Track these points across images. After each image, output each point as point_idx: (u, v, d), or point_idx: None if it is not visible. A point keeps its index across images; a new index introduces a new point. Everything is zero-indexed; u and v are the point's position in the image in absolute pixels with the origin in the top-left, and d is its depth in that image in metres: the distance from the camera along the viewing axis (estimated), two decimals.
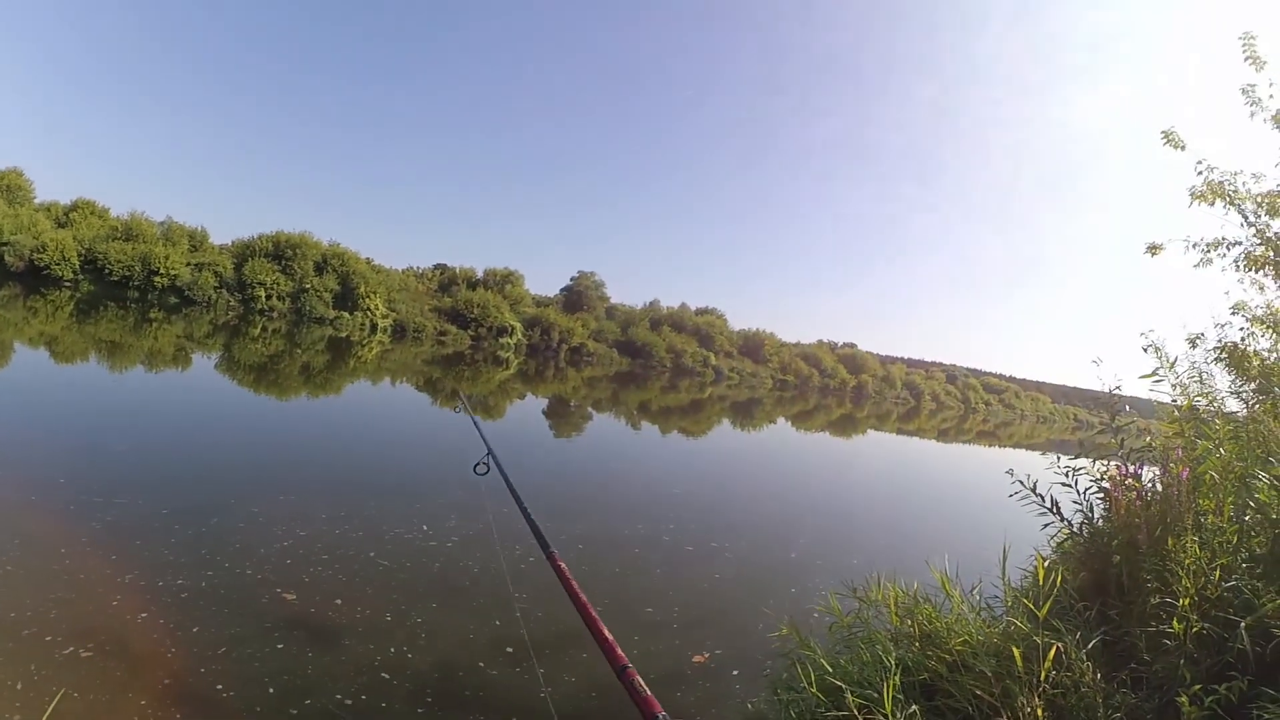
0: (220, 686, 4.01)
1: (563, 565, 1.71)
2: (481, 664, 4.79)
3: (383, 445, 12.79)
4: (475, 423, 3.59)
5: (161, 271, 38.65)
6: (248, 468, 9.06)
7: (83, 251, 37.65)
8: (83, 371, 15.12)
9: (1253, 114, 5.35)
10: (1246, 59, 5.36)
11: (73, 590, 4.80)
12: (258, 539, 6.33)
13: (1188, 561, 3.01)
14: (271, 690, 4.07)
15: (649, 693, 1.16)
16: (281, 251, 44.14)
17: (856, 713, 2.80)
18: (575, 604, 1.49)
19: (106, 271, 37.71)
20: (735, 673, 5.12)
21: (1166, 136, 5.72)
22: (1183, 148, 5.63)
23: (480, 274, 59.11)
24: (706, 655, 5.33)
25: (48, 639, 4.13)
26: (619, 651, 1.28)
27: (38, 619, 4.33)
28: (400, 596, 5.64)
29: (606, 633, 1.33)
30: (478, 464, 3.08)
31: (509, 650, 5.01)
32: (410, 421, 16.75)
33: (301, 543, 6.40)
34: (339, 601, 5.35)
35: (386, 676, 4.40)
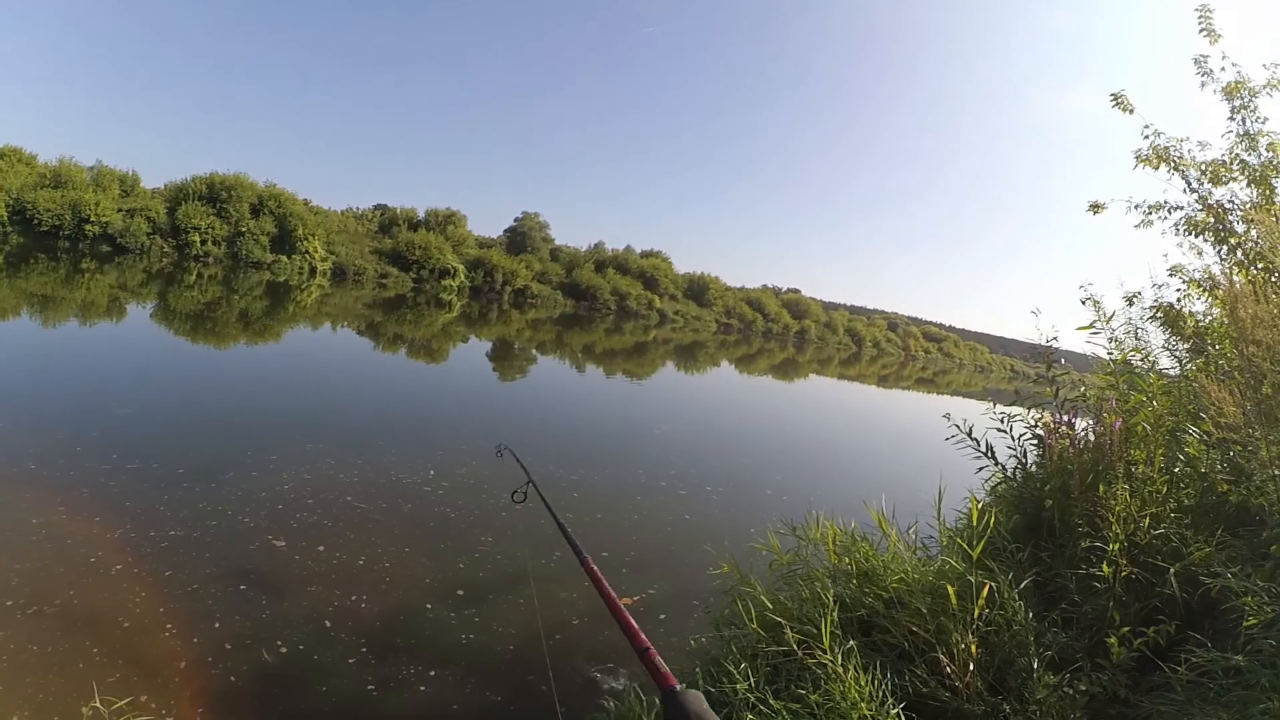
0: (170, 625, 4.08)
1: (595, 568, 1.82)
2: (429, 607, 4.81)
3: (397, 396, 12.79)
4: (517, 458, 3.66)
5: (92, 219, 35.70)
6: (240, 425, 8.76)
7: (10, 201, 34.31)
8: (40, 332, 13.80)
9: (1203, 85, 5.44)
10: (1202, 31, 5.42)
11: (57, 553, 4.73)
12: (262, 487, 6.37)
13: (1118, 508, 3.14)
14: (218, 625, 4.14)
15: (666, 669, 1.28)
16: (216, 194, 41.27)
17: (796, 647, 2.85)
18: (604, 599, 1.64)
19: (35, 222, 34.57)
20: (662, 616, 5.24)
21: (1115, 99, 5.78)
22: (1131, 111, 5.70)
23: (422, 215, 56.96)
24: (635, 597, 5.44)
25: (11, 601, 4.10)
26: (642, 636, 1.41)
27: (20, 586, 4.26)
28: (379, 540, 5.72)
29: (630, 620, 1.48)
30: (515, 491, 3.11)
31: (459, 593, 5.05)
32: (423, 375, 16.61)
33: (300, 490, 6.46)
34: (321, 548, 5.44)
35: (329, 625, 4.40)
